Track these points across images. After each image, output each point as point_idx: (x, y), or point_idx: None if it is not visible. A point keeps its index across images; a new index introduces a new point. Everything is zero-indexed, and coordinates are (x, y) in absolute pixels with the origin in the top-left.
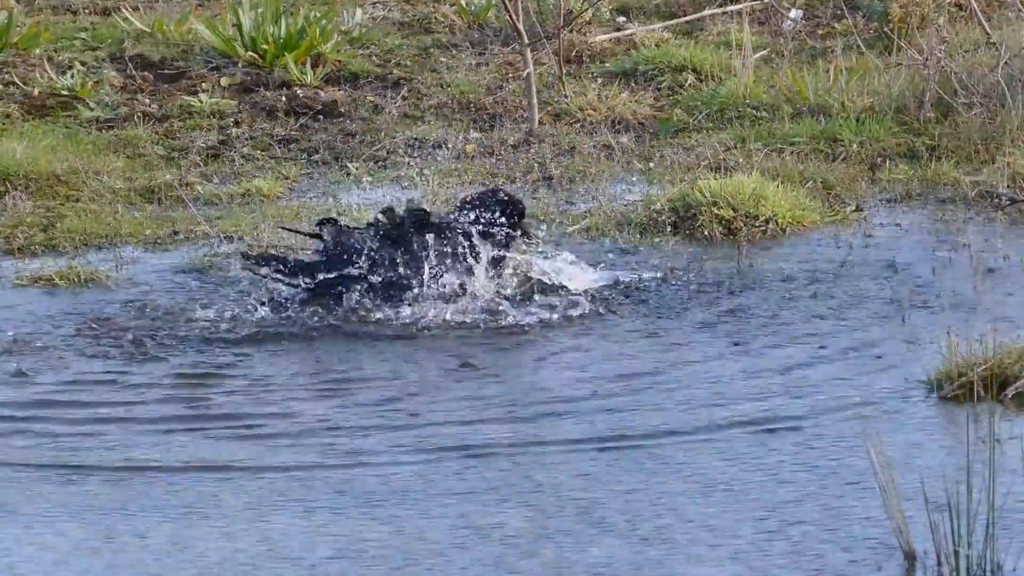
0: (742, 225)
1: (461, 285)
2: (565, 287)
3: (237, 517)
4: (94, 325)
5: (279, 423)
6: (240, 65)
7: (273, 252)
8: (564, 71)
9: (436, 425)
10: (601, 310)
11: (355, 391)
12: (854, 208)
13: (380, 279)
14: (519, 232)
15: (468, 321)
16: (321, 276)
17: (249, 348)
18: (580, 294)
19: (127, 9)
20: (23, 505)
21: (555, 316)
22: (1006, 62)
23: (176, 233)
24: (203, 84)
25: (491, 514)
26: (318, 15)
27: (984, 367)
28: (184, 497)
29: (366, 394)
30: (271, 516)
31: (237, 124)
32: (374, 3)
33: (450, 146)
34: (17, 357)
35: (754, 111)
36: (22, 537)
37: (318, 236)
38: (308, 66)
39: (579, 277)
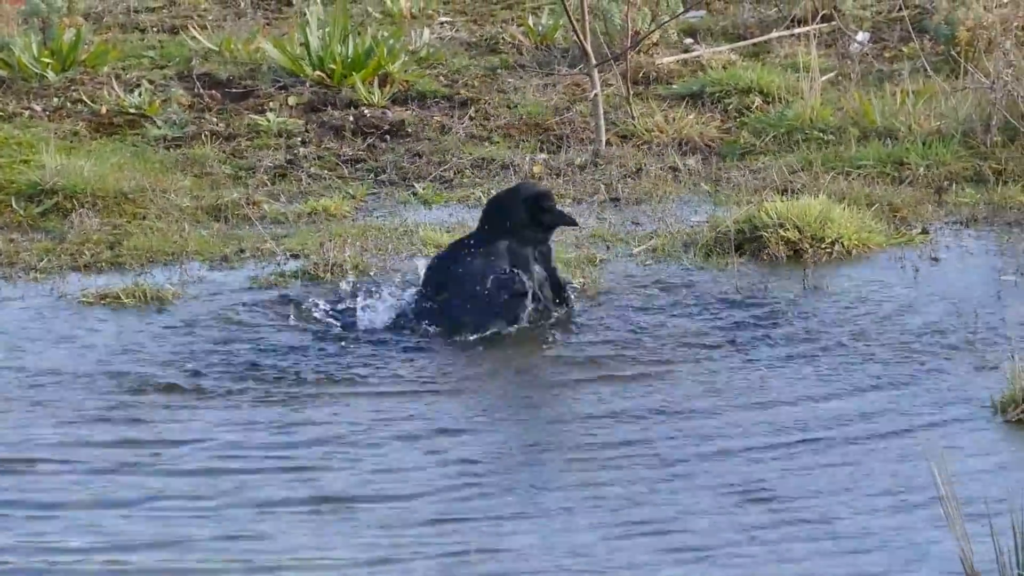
0: (808, 247)
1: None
2: None
3: None
4: None
5: None
6: (308, 84)
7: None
8: (631, 92)
9: None
10: None
11: None
12: (920, 231)
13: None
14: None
15: None
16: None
17: None
18: None
19: (195, 28)
20: None
21: None
22: None
23: (242, 251)
24: (270, 103)
25: None
26: (386, 35)
27: None
28: None
29: None
30: None
31: (304, 143)
32: (441, 23)
33: (517, 167)
34: None
35: (821, 134)
36: None
37: None
38: (375, 86)
39: None
